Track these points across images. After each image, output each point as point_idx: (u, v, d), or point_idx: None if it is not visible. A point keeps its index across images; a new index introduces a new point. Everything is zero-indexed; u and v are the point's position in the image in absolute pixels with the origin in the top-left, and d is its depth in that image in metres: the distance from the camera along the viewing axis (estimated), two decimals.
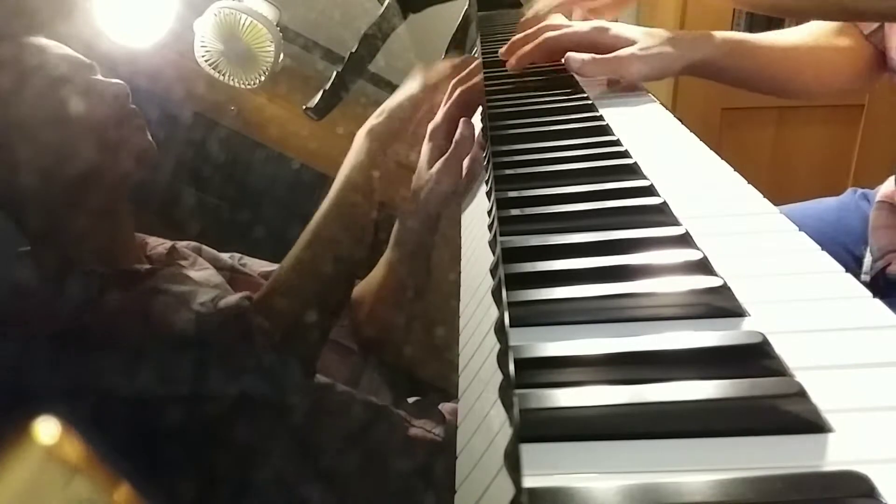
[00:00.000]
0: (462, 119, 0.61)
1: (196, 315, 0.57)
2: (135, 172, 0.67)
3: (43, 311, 0.56)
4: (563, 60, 0.67)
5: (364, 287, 0.75)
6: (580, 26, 0.69)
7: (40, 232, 0.61)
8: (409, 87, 0.67)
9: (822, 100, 1.76)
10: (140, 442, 0.52)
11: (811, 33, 0.80)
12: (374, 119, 0.66)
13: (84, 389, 0.53)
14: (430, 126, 0.65)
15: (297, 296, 0.60)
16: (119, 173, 0.65)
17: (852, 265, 0.83)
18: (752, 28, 1.87)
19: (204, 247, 0.76)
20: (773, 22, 1.88)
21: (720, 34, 0.70)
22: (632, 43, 0.66)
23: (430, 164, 0.64)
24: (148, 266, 0.66)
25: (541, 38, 0.69)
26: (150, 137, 0.66)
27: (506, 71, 0.74)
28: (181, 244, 0.75)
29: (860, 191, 0.93)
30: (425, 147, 0.65)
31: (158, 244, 0.73)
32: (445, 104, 0.65)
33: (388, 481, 0.62)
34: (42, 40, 0.62)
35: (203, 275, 0.68)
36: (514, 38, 0.73)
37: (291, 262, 0.62)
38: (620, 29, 0.68)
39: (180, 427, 0.54)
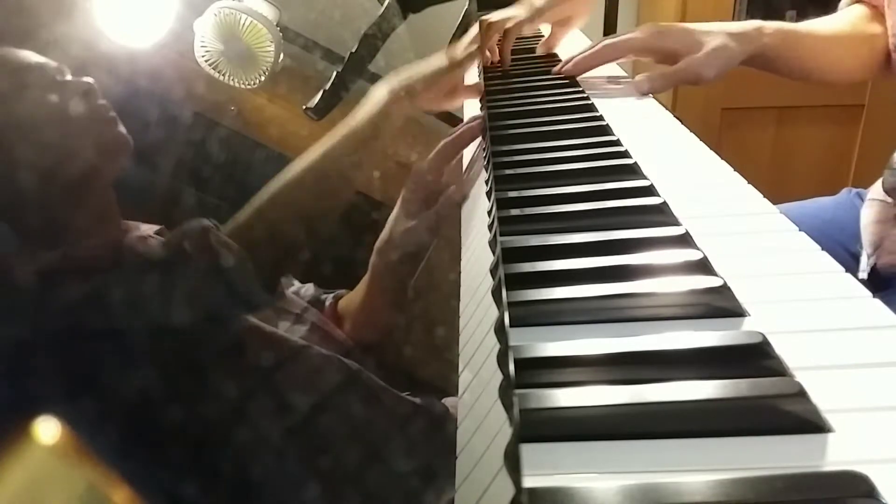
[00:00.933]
0: (452, 187, 0.62)
1: (164, 241, 0.58)
2: (111, 166, 0.67)
3: (29, 309, 0.56)
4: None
5: (348, 303, 0.76)
6: (638, 33, 0.69)
7: (26, 230, 0.61)
8: (436, 61, 0.68)
9: (822, 99, 1.77)
10: (112, 375, 0.52)
11: (848, 21, 0.81)
12: (397, 80, 0.66)
13: (53, 322, 0.53)
14: (415, 171, 0.66)
15: (264, 225, 0.61)
16: (92, 167, 0.65)
17: (850, 263, 0.83)
18: (751, 17, 1.87)
19: None
20: (770, 10, 1.88)
21: (772, 24, 0.71)
22: (696, 45, 0.66)
23: (409, 212, 0.65)
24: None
25: (600, 47, 0.69)
26: (123, 130, 0.66)
27: (506, 71, 0.74)
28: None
29: (855, 190, 0.93)
30: (406, 190, 0.66)
31: (148, 235, 0.73)
32: (434, 154, 0.65)
33: (372, 440, 0.62)
34: (3, 49, 0.63)
35: None
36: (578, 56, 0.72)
37: (275, 188, 0.62)
38: (679, 31, 0.68)
39: (154, 361, 0.54)
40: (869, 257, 0.81)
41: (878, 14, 0.82)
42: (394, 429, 0.63)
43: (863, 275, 0.80)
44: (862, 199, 0.89)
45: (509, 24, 0.73)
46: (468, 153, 0.65)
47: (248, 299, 0.58)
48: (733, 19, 1.76)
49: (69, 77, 0.64)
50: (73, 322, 0.53)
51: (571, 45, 0.83)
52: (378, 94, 0.65)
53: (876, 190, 0.86)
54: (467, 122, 0.65)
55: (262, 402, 0.59)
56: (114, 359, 0.53)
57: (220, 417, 0.57)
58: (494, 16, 0.76)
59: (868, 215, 0.85)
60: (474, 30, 0.73)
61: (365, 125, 0.64)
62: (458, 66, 0.68)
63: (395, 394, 0.65)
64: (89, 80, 0.65)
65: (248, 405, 0.58)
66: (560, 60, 0.75)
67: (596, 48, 0.70)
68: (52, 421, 0.47)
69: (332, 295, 0.78)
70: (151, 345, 0.54)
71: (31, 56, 0.63)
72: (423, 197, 0.65)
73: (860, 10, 0.83)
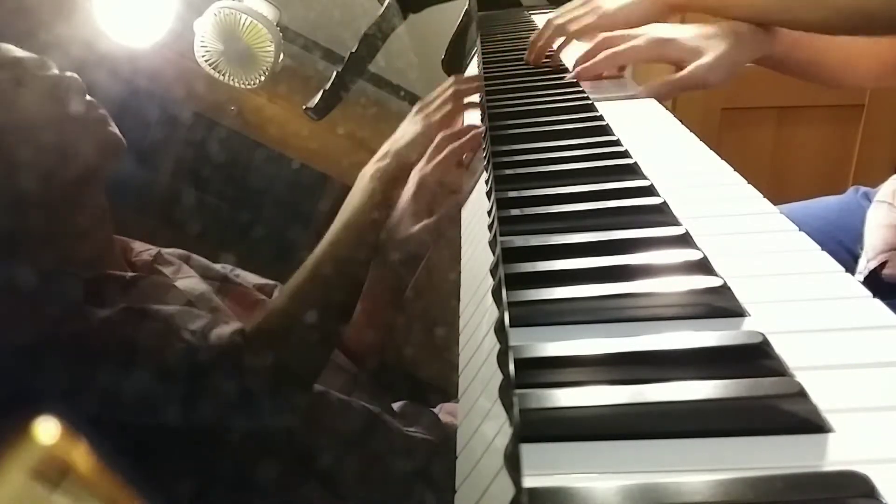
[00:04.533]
0: (453, 194, 0.61)
1: (187, 346, 0.56)
2: (103, 167, 0.64)
3: (23, 314, 0.55)
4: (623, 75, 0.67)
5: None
6: (639, 40, 0.68)
7: (10, 232, 0.59)
8: (413, 128, 0.65)
9: (822, 99, 1.76)
10: (123, 463, 0.52)
11: None
12: (380, 161, 0.64)
13: (68, 405, 0.52)
14: (418, 175, 0.65)
15: (291, 333, 0.59)
16: (83, 168, 0.62)
17: (852, 264, 0.83)
18: None
19: (194, 255, 0.75)
20: None
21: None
22: (697, 53, 0.65)
23: (412, 215, 0.64)
24: (132, 273, 0.65)
25: (602, 57, 0.68)
26: (114, 129, 0.63)
27: (506, 71, 0.74)
28: (167, 251, 0.73)
29: (862, 189, 0.93)
30: (408, 194, 0.65)
31: (144, 250, 0.71)
32: (437, 159, 0.64)
33: (387, 486, 0.62)
34: None
35: (187, 283, 0.66)
36: (579, 58, 0.71)
37: (287, 297, 0.61)
38: (679, 39, 0.67)
39: (169, 447, 0.54)
40: (868, 261, 0.80)
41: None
42: (411, 471, 0.62)
43: (859, 277, 0.79)
44: (869, 200, 0.88)
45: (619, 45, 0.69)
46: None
47: (274, 412, 0.57)
48: None
49: (54, 71, 0.62)
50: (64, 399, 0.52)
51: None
52: (361, 184, 0.63)
53: (885, 191, 0.85)
54: (471, 127, 0.64)
55: (283, 451, 0.58)
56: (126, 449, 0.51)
57: (237, 469, 0.57)
58: (576, 20, 0.74)
59: (875, 217, 0.84)
60: (447, 84, 0.69)
61: (361, 221, 0.62)
62: (436, 125, 0.65)
63: (410, 436, 0.64)
64: (74, 75, 0.63)
65: (267, 454, 0.57)
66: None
67: (598, 58, 0.68)
68: None
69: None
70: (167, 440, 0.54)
71: (11, 50, 0.61)
72: (427, 201, 0.64)
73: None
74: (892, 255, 0.78)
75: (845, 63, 0.78)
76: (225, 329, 0.57)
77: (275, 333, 0.59)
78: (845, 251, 0.85)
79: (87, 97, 0.63)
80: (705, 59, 0.65)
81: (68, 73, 0.63)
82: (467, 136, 0.63)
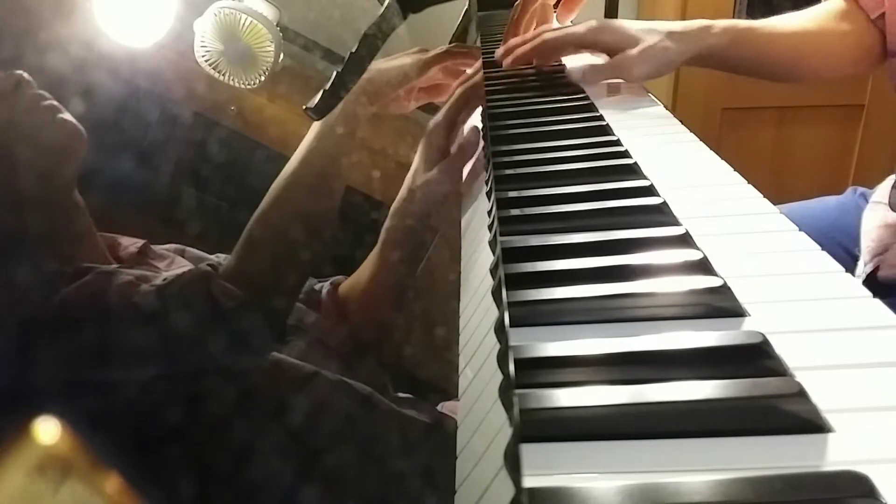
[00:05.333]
0: (472, 126, 0.60)
1: (156, 288, 0.54)
2: (63, 159, 0.61)
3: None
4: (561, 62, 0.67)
5: (352, 284, 0.73)
6: (578, 28, 0.69)
7: None
8: (404, 60, 0.66)
9: (822, 99, 1.76)
10: (110, 423, 0.51)
11: (814, 18, 0.79)
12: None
13: (47, 376, 0.51)
14: (430, 124, 0.65)
15: (262, 257, 0.58)
16: (38, 163, 0.59)
17: (850, 264, 0.83)
18: (751, 17, 1.87)
19: (189, 248, 0.74)
20: (770, 10, 1.87)
21: (721, 23, 0.69)
22: (631, 41, 0.65)
23: (428, 164, 0.63)
24: (115, 265, 0.63)
25: (538, 41, 0.69)
26: (67, 117, 0.60)
27: (506, 71, 0.74)
28: (162, 247, 0.72)
29: (860, 190, 0.93)
30: (423, 146, 0.65)
31: (131, 244, 0.70)
32: (447, 104, 0.64)
33: (379, 467, 0.61)
34: None
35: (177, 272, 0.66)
36: (511, 41, 0.73)
37: (256, 223, 0.60)
38: (618, 27, 0.67)
39: (152, 405, 0.52)
40: (866, 264, 0.80)
41: (854, 11, 0.79)
42: (406, 452, 0.62)
43: (858, 280, 0.79)
44: (867, 200, 0.89)
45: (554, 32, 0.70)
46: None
47: (253, 346, 0.57)
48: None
49: None
50: (57, 374, 0.51)
51: None
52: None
53: (881, 192, 0.85)
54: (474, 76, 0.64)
55: (273, 437, 0.57)
56: (108, 408, 0.50)
57: (228, 455, 0.56)
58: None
59: (871, 219, 0.84)
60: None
61: (330, 134, 0.62)
62: (425, 67, 0.66)
63: (406, 415, 0.64)
64: (20, 72, 0.61)
65: (257, 442, 0.56)
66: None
67: (536, 41, 0.68)
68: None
69: (328, 282, 0.76)
70: (146, 394, 0.52)
71: None
72: (441, 146, 0.63)
73: (832, 5, 0.81)
74: (886, 256, 0.78)
75: (795, 57, 0.77)
76: (198, 269, 0.56)
77: (247, 257, 0.58)
78: (843, 251, 0.85)
79: (37, 91, 0.60)
80: (632, 52, 0.65)
81: (15, 71, 0.61)
82: (473, 76, 0.63)
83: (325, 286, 0.75)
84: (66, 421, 0.47)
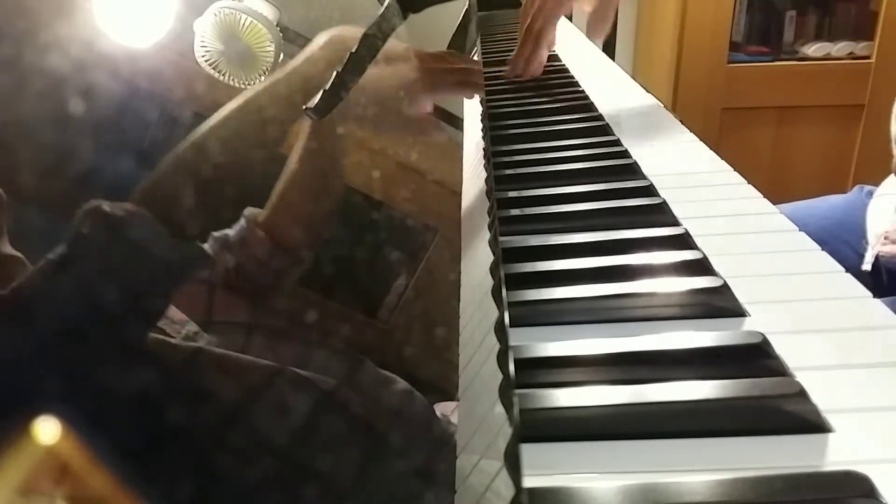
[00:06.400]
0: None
1: (61, 245, 0.52)
2: None
3: None
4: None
5: (272, 212, 0.72)
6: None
7: None
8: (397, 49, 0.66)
9: (822, 99, 1.77)
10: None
11: None
12: (345, 31, 0.64)
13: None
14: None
15: (180, 167, 0.58)
16: None
17: (857, 261, 0.83)
18: (751, 27, 1.88)
19: None
20: (770, 10, 1.88)
21: None
22: None
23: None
24: None
25: (525, 33, 0.68)
26: None
27: (505, 71, 0.74)
28: None
29: (867, 188, 0.93)
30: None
31: None
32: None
33: (349, 466, 0.59)
34: None
35: None
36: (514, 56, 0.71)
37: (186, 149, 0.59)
38: None
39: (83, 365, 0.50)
40: (872, 247, 0.81)
41: None
42: (377, 443, 0.61)
43: (866, 266, 0.80)
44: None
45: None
46: (468, 156, 0.65)
47: (172, 257, 0.54)
48: (733, 19, 1.76)
49: None
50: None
51: (570, 43, 0.83)
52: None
53: (887, 186, 0.86)
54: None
55: (237, 434, 0.56)
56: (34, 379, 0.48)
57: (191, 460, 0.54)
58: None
59: (876, 208, 0.85)
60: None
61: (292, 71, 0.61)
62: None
63: (374, 408, 0.62)
64: None
65: (219, 450, 0.55)
66: (557, 59, 0.75)
67: (524, 36, 0.68)
68: None
69: (238, 227, 0.73)
70: (77, 351, 0.49)
71: None
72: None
73: None
74: (888, 238, 0.79)
75: None
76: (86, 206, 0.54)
77: (165, 180, 0.58)
78: (850, 249, 0.85)
79: None
80: None
81: None
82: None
83: (240, 230, 0.73)
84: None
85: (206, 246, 0.71)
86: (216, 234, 0.72)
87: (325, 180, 0.70)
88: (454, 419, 0.55)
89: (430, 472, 0.59)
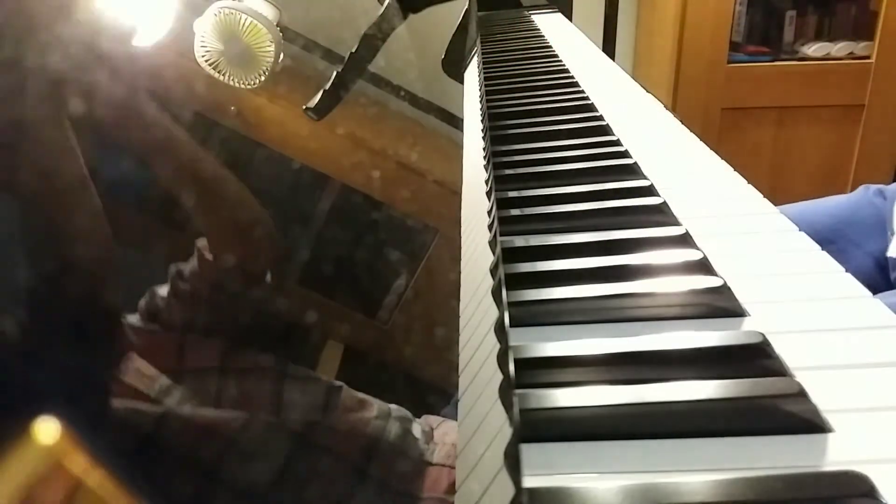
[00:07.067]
0: None
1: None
2: None
3: None
4: None
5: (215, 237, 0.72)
6: None
7: None
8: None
9: (822, 99, 1.77)
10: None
11: None
12: None
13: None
14: None
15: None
16: None
17: (864, 260, 0.84)
18: (751, 27, 1.88)
19: None
20: (770, 10, 1.88)
21: None
22: None
23: None
24: None
25: None
26: None
27: (506, 71, 0.74)
28: None
29: (873, 187, 0.93)
30: None
31: None
32: None
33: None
34: None
35: None
36: None
37: None
38: None
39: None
40: None
41: None
42: (353, 476, 0.60)
43: (892, 253, 0.80)
44: (884, 196, 0.90)
45: None
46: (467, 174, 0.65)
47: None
48: (733, 19, 1.76)
49: None
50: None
51: (570, 43, 0.83)
52: None
53: None
54: None
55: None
56: None
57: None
58: None
59: None
60: None
61: None
62: None
63: (348, 441, 0.62)
64: None
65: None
66: (557, 59, 0.75)
67: None
68: None
69: (188, 265, 0.73)
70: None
71: None
72: None
73: None
74: None
75: None
76: None
77: None
78: (858, 248, 0.86)
79: None
80: None
81: None
82: None
83: (190, 263, 0.73)
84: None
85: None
86: (172, 266, 0.71)
87: (221, 190, 0.69)
88: (438, 433, 0.55)
89: (406, 495, 0.59)
